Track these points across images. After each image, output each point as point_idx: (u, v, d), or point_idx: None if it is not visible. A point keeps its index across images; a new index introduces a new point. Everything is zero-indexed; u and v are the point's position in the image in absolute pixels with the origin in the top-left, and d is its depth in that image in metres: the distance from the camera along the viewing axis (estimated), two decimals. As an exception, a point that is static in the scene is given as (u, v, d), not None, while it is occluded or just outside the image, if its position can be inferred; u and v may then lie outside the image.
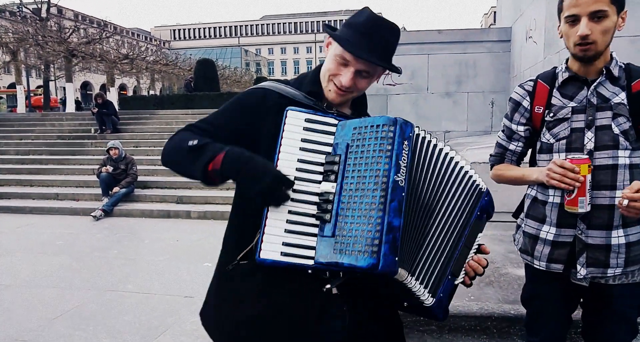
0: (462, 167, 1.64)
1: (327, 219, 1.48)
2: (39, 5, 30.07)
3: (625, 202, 1.73)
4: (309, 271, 1.52)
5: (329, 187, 1.49)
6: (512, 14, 8.84)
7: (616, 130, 1.88)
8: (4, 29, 27.84)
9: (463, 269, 1.66)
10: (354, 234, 1.41)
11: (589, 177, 1.82)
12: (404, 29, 17.45)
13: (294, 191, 1.49)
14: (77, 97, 37.46)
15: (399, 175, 1.41)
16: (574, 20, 1.85)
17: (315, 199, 1.50)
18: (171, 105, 21.22)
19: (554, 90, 2.02)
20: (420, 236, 1.54)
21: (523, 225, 2.16)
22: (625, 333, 2.04)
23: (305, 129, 1.54)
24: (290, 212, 1.49)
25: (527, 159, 2.23)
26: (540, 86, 2.05)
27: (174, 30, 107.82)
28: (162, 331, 4.27)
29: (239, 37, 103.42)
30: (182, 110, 19.24)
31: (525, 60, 7.60)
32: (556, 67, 2.08)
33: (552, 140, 1.99)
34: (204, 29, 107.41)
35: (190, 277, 5.79)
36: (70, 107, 26.34)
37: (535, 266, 2.08)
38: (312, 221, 1.50)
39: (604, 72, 1.91)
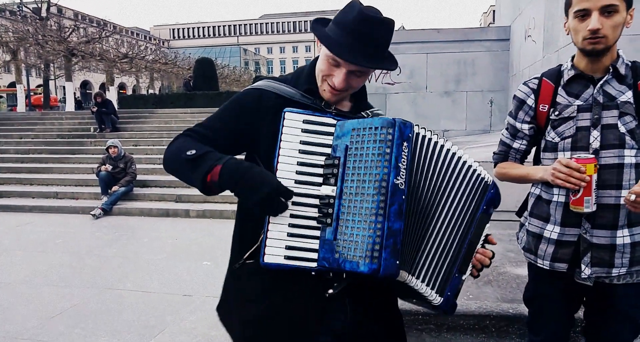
0: (464, 162, 1.62)
1: (329, 222, 1.48)
2: (39, 5, 30.01)
3: (633, 197, 1.71)
4: (313, 273, 1.53)
5: (329, 190, 1.49)
6: (511, 13, 8.85)
7: (622, 129, 1.86)
8: (4, 28, 27.80)
9: (470, 264, 1.66)
10: (354, 239, 1.42)
11: (595, 176, 1.79)
12: (403, 27, 17.43)
13: (295, 194, 1.48)
14: (78, 97, 37.45)
15: (399, 178, 1.40)
16: (584, 14, 1.82)
17: (316, 201, 1.50)
18: (170, 104, 21.20)
19: (559, 88, 1.99)
20: (424, 237, 1.54)
21: (527, 223, 2.14)
22: (629, 333, 2.02)
23: (304, 130, 1.52)
24: (292, 216, 1.49)
25: (530, 157, 2.22)
26: (545, 84, 2.03)
27: (173, 30, 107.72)
28: (160, 330, 4.28)
29: (238, 36, 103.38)
30: (181, 109, 19.22)
31: (524, 59, 7.61)
32: (561, 64, 2.05)
33: (557, 139, 1.97)
34: (203, 28, 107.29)
35: (189, 275, 5.78)
36: (70, 106, 26.32)
37: (538, 265, 2.06)
38: (314, 223, 1.50)
39: (611, 70, 1.89)
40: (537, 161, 2.13)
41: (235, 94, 1.75)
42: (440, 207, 1.56)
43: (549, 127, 2.00)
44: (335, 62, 1.56)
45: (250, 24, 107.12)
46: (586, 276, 1.92)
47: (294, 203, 1.48)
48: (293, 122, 1.52)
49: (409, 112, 8.87)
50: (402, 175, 1.41)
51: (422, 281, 1.53)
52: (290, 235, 1.49)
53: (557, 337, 2.11)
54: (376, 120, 1.45)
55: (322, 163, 1.51)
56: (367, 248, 1.38)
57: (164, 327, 4.33)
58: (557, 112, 1.96)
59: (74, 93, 30.42)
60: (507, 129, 2.19)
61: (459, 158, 1.61)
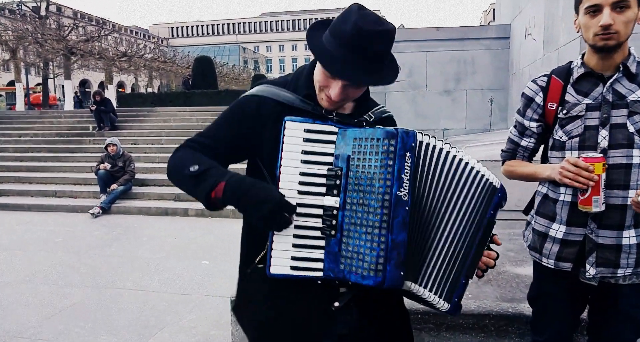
0: (472, 168, 1.59)
1: (332, 234, 1.48)
2: (38, 4, 30.02)
3: None
4: (319, 282, 1.54)
5: (332, 201, 1.48)
6: (511, 12, 8.84)
7: (631, 128, 1.82)
8: (4, 27, 27.75)
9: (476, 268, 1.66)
10: (359, 251, 1.43)
11: (603, 176, 1.76)
12: (402, 26, 17.42)
13: (299, 205, 1.47)
14: (79, 95, 37.47)
15: (402, 189, 1.40)
16: (595, 10, 1.78)
17: (319, 211, 1.50)
18: (169, 102, 21.22)
19: (569, 86, 1.96)
20: (430, 246, 1.53)
21: (533, 222, 2.12)
22: (631, 332, 2.00)
23: (305, 140, 1.50)
24: (296, 226, 1.49)
25: (538, 156, 2.19)
26: (554, 82, 1.99)
27: (172, 28, 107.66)
28: (160, 328, 4.28)
29: (237, 35, 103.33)
30: (180, 107, 19.21)
31: (524, 58, 7.60)
32: (571, 62, 2.01)
33: (564, 138, 1.94)
34: (202, 26, 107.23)
35: (188, 274, 5.79)
36: (69, 104, 26.32)
37: (543, 263, 2.05)
38: (318, 234, 1.50)
39: (621, 68, 1.85)
40: (544, 159, 2.10)
41: (234, 101, 1.72)
42: (447, 215, 1.55)
43: (556, 126, 1.97)
44: (331, 75, 1.52)
45: (249, 23, 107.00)
46: (591, 276, 1.91)
47: (297, 214, 1.48)
48: (294, 132, 1.50)
49: (409, 111, 8.86)
50: (405, 186, 1.41)
51: (430, 290, 1.53)
52: (295, 246, 1.49)
53: (561, 337, 2.09)
54: (378, 131, 1.43)
55: (325, 173, 1.50)
56: (371, 261, 1.40)
57: (163, 326, 4.33)
58: (565, 111, 1.93)
59: (76, 92, 30.46)
60: (515, 126, 2.16)
61: (466, 164, 1.58)
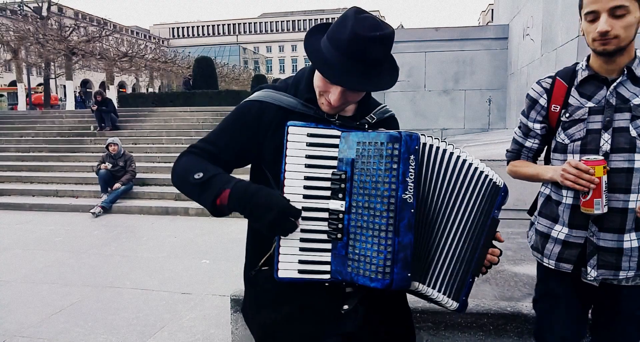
0: (476, 168, 1.61)
1: (339, 237, 1.49)
2: (40, 4, 30.04)
3: None
4: (326, 284, 1.55)
5: (337, 205, 1.49)
6: (510, 12, 8.85)
7: (634, 132, 1.80)
8: (5, 27, 27.77)
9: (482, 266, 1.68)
10: (365, 253, 1.44)
11: (604, 178, 1.77)
12: (402, 26, 17.42)
13: (304, 209, 1.48)
14: (82, 95, 37.55)
15: (407, 192, 1.42)
16: (593, 16, 1.77)
17: (325, 215, 1.51)
18: (170, 103, 21.24)
19: (572, 89, 1.94)
20: (437, 246, 1.55)
21: (536, 223, 2.12)
22: (633, 332, 2.00)
23: (309, 144, 1.50)
24: (302, 230, 1.50)
25: (542, 156, 2.19)
26: (558, 84, 1.98)
27: (173, 28, 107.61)
28: (159, 327, 4.29)
29: (237, 35, 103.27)
30: (181, 107, 19.22)
31: (522, 58, 7.60)
32: (577, 63, 2.00)
33: (566, 141, 1.93)
34: (203, 26, 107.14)
35: (188, 274, 5.80)
36: (70, 104, 26.35)
37: (544, 263, 2.05)
38: (325, 237, 1.51)
39: (625, 72, 1.83)
40: (548, 161, 2.11)
41: (236, 106, 1.73)
42: (452, 216, 1.56)
43: (559, 128, 1.97)
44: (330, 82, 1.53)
45: (249, 23, 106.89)
46: (592, 278, 1.91)
47: (303, 218, 1.49)
48: (297, 137, 1.50)
49: (408, 110, 8.87)
50: (410, 189, 1.42)
51: (439, 291, 1.55)
52: (302, 249, 1.50)
53: (571, 335, 2.06)
54: (382, 135, 1.44)
55: (329, 177, 1.51)
56: (378, 263, 1.41)
57: (163, 325, 4.34)
58: (567, 114, 1.92)
59: (79, 92, 30.48)
60: (519, 127, 2.16)
61: (470, 164, 1.59)
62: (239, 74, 56.57)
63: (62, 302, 4.90)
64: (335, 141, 1.52)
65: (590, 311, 2.12)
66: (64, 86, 32.57)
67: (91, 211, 9.36)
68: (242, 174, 1.59)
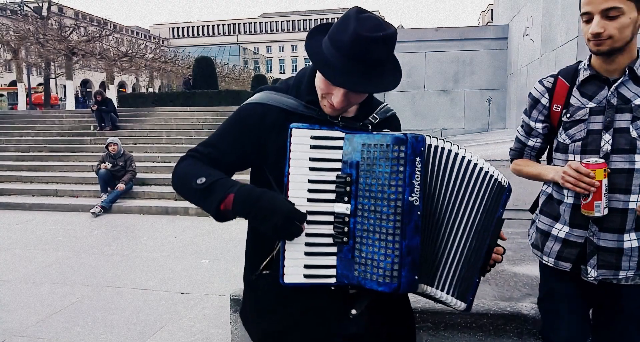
0: (481, 168, 1.60)
1: (345, 241, 1.47)
2: (40, 4, 30.07)
3: None
4: (332, 288, 1.54)
5: (343, 208, 1.47)
6: (509, 12, 8.85)
7: (634, 133, 1.80)
8: (5, 27, 27.80)
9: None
10: (372, 257, 1.43)
11: (605, 181, 1.77)
12: (401, 26, 17.42)
13: (309, 212, 1.45)
14: (84, 95, 37.60)
15: (413, 194, 1.41)
16: (588, 18, 1.77)
17: (330, 218, 1.49)
18: (170, 102, 21.25)
19: (574, 89, 1.94)
20: (444, 248, 1.54)
21: (537, 221, 2.13)
22: (634, 332, 2.00)
23: (312, 147, 1.47)
24: (307, 234, 1.47)
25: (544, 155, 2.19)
26: (560, 83, 1.98)
27: (173, 28, 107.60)
28: (159, 327, 4.29)
29: (237, 35, 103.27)
30: (181, 107, 19.23)
31: (522, 58, 7.60)
32: (580, 62, 1.99)
33: (567, 141, 1.93)
34: (203, 26, 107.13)
35: (188, 273, 5.80)
36: (70, 104, 26.36)
37: (544, 261, 2.05)
38: (330, 240, 1.49)
39: (626, 72, 1.82)
40: (550, 159, 2.11)
41: (237, 109, 1.70)
42: (459, 217, 1.56)
43: (560, 128, 1.97)
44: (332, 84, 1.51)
45: (249, 23, 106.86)
46: (592, 278, 1.91)
47: (308, 222, 1.46)
48: (301, 139, 1.47)
49: (407, 110, 8.87)
50: (417, 191, 1.41)
51: (447, 292, 1.55)
52: (308, 254, 1.48)
53: (578, 332, 2.05)
54: (387, 137, 1.42)
55: (334, 180, 1.48)
56: (386, 267, 1.40)
57: (163, 324, 4.35)
58: (568, 114, 1.92)
59: (80, 92, 30.51)
60: (522, 126, 2.16)
61: (475, 164, 1.58)
62: (239, 74, 56.61)
63: (62, 302, 4.90)
64: (339, 143, 1.49)
65: (590, 310, 2.12)
66: (64, 86, 32.62)
67: (91, 210, 9.37)
68: (242, 175, 1.59)
